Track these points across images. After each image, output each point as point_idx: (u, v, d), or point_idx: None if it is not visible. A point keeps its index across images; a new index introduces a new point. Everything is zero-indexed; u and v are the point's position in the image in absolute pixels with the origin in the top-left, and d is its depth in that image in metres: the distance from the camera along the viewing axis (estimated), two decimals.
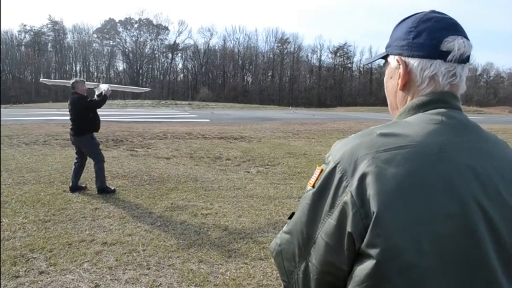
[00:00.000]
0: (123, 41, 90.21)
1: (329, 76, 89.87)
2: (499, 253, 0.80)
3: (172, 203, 5.94)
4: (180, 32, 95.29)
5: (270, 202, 6.13)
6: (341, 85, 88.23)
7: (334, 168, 0.86)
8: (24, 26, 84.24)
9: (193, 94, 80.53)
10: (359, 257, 0.82)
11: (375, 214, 0.78)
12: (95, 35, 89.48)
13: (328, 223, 0.85)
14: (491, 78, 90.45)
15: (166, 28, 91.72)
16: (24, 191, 6.44)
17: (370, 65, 69.76)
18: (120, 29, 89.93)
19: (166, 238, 4.58)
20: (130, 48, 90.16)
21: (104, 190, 6.34)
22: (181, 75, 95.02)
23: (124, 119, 22.44)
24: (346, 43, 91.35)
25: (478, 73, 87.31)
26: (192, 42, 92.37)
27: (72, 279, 3.58)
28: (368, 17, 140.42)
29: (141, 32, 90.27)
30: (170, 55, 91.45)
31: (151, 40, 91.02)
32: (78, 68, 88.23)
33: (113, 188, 6.50)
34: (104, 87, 7.15)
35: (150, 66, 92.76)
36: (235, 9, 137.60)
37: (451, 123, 0.89)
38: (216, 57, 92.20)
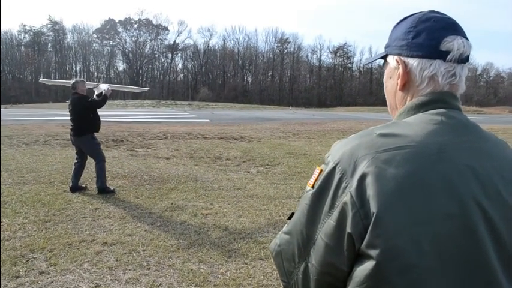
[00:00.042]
0: (123, 41, 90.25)
1: (329, 76, 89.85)
2: (499, 253, 0.80)
3: (172, 203, 5.94)
4: (180, 32, 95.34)
5: (270, 202, 6.13)
6: (341, 85, 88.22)
7: (333, 169, 0.86)
8: (24, 26, 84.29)
9: (193, 94, 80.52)
10: (359, 257, 0.82)
11: (374, 215, 0.78)
12: (95, 35, 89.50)
13: (327, 224, 0.85)
14: (491, 78, 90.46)
15: (166, 28, 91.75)
16: (25, 191, 6.44)
17: (370, 65, 69.75)
18: (120, 29, 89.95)
19: (167, 238, 4.58)
20: (130, 49, 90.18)
21: (103, 190, 6.33)
22: (181, 75, 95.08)
23: (124, 119, 22.43)
24: (346, 43, 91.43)
25: (478, 73, 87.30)
26: (191, 42, 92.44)
27: (72, 280, 3.58)
28: (368, 17, 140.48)
29: (141, 32, 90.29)
30: (170, 55, 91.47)
31: (151, 40, 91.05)
32: (78, 68, 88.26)
33: (112, 188, 6.50)
34: (103, 87, 7.14)
35: (150, 66, 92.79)
36: (234, 9, 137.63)
37: (450, 123, 0.89)
38: (216, 57, 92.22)
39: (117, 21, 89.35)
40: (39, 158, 9.48)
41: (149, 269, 3.81)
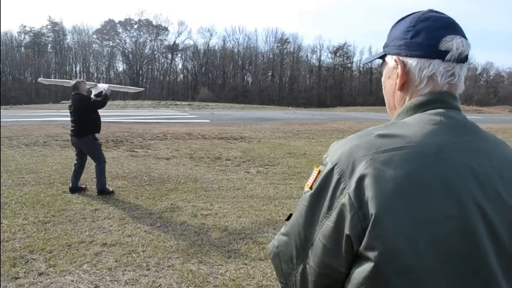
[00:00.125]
0: (122, 41, 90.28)
1: (329, 76, 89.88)
2: (498, 254, 0.79)
3: (172, 204, 5.93)
4: (180, 33, 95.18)
5: (269, 202, 6.13)
6: (341, 85, 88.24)
7: (331, 170, 0.86)
8: (24, 27, 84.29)
9: (193, 94, 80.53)
10: (357, 259, 0.81)
11: (373, 216, 0.77)
12: (95, 36, 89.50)
13: (326, 225, 0.84)
14: (491, 77, 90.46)
15: (166, 29, 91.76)
16: (24, 192, 6.43)
17: (370, 64, 69.77)
18: (120, 30, 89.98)
19: (166, 239, 4.58)
20: (130, 49, 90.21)
21: (103, 191, 6.33)
22: (181, 75, 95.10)
23: (124, 119, 22.44)
24: (345, 43, 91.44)
25: (478, 72, 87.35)
26: (191, 43, 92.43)
27: (72, 281, 3.57)
28: (368, 17, 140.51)
29: (141, 33, 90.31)
30: (170, 55, 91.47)
31: (151, 41, 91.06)
32: (78, 69, 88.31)
33: (111, 189, 6.49)
34: (103, 86, 7.14)
35: (150, 66, 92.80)
36: (234, 10, 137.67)
37: (449, 124, 0.88)
38: (215, 57, 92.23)
39: (117, 21, 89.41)
40: (39, 159, 9.48)
41: (149, 269, 3.80)
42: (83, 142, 6.48)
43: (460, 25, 0.95)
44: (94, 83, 7.76)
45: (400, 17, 1.00)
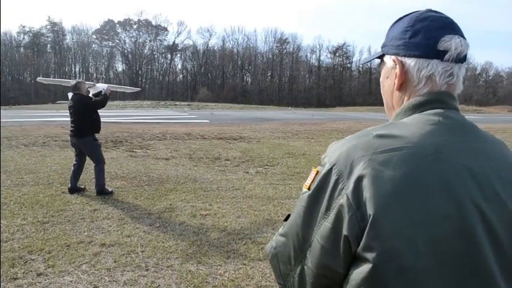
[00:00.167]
0: (122, 42, 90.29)
1: (328, 76, 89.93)
2: (497, 254, 0.79)
3: (171, 204, 5.93)
4: (179, 33, 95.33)
5: (269, 202, 6.12)
6: (340, 85, 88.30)
7: (330, 170, 0.85)
8: (23, 27, 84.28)
9: (192, 95, 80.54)
10: (355, 260, 0.81)
11: (371, 217, 0.77)
12: (94, 36, 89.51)
13: (324, 226, 0.84)
14: (491, 77, 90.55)
15: (165, 29, 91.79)
16: (23, 192, 6.43)
17: (369, 64, 69.79)
18: (119, 30, 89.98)
19: (165, 239, 4.57)
20: (129, 49, 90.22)
21: (102, 192, 6.32)
22: (181, 75, 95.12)
23: (123, 119, 22.43)
24: (345, 43, 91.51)
25: (477, 72, 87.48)
26: (191, 43, 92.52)
27: (71, 281, 3.57)
28: (367, 17, 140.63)
29: (140, 33, 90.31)
30: (169, 56, 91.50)
31: (150, 41, 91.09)
32: (77, 69, 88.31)
33: (110, 190, 6.48)
34: (102, 86, 7.14)
35: (150, 67, 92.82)
36: (234, 10, 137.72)
37: (448, 124, 0.88)
38: (215, 57, 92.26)
39: (116, 22, 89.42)
40: (38, 159, 9.47)
41: (147, 270, 3.80)
42: (82, 142, 6.46)
43: (458, 25, 0.94)
44: (92, 82, 7.76)
45: (399, 17, 1.00)
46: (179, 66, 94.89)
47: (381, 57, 1.03)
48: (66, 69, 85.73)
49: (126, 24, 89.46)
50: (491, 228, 0.79)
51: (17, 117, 23.07)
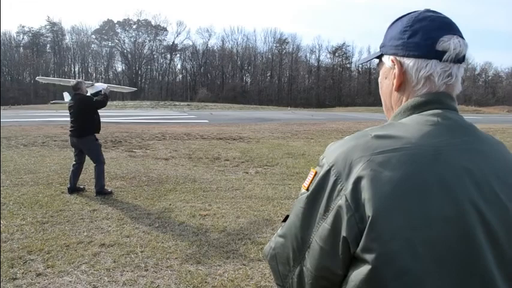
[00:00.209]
0: (121, 42, 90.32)
1: (328, 76, 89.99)
2: (496, 256, 0.78)
3: (170, 204, 5.92)
4: (179, 33, 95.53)
5: (268, 203, 6.12)
6: (340, 85, 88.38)
7: (328, 171, 0.85)
8: (23, 27, 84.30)
9: (192, 95, 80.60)
10: (354, 261, 0.81)
11: (370, 218, 0.77)
12: (94, 36, 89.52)
13: (322, 227, 0.84)
14: (490, 77, 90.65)
15: (165, 29, 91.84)
16: (22, 192, 6.42)
17: (368, 64, 69.82)
18: (119, 30, 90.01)
19: (165, 239, 4.57)
20: (128, 49, 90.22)
21: (101, 192, 6.31)
22: (180, 76, 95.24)
23: (123, 120, 22.42)
24: (344, 43, 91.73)
25: (476, 72, 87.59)
26: (190, 43, 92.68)
27: (70, 281, 3.56)
28: (367, 17, 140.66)
29: (140, 33, 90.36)
30: (169, 56, 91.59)
31: (149, 41, 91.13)
32: (76, 69, 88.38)
33: (110, 190, 6.47)
34: (101, 86, 7.16)
35: (149, 67, 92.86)
36: (233, 10, 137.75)
37: (446, 125, 0.87)
38: (214, 57, 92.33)
39: (115, 22, 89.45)
40: (37, 159, 9.46)
41: (147, 270, 3.79)
42: (83, 142, 6.45)
43: (457, 25, 0.94)
44: (91, 82, 7.78)
45: (397, 17, 1.00)
46: (178, 66, 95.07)
47: (380, 57, 1.02)
48: (66, 69, 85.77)
49: (125, 24, 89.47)
50: (490, 229, 0.78)
51: (17, 117, 23.05)
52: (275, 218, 5.37)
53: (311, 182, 0.88)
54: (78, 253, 4.14)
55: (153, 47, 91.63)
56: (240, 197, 6.45)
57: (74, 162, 6.56)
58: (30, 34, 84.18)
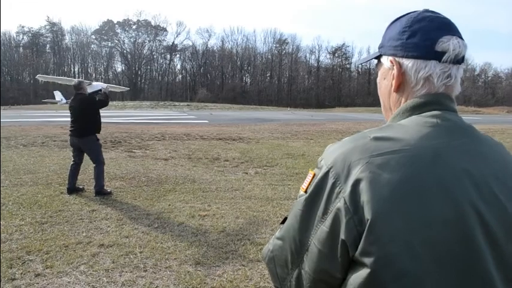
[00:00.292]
0: (121, 42, 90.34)
1: (327, 77, 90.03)
2: (496, 258, 0.78)
3: (169, 205, 5.92)
4: (179, 33, 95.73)
5: (268, 203, 6.11)
6: (339, 86, 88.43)
7: (326, 173, 0.84)
8: (23, 27, 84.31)
9: (191, 95, 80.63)
10: (353, 264, 0.80)
11: (369, 221, 0.76)
12: (93, 36, 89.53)
13: (320, 230, 0.83)
14: (490, 78, 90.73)
15: (165, 29, 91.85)
16: (22, 192, 6.41)
17: (368, 65, 69.80)
18: (119, 30, 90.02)
19: (164, 240, 4.56)
20: (128, 50, 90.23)
21: (101, 192, 6.31)
22: (180, 76, 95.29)
23: (122, 120, 22.42)
24: (344, 44, 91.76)
25: (476, 73, 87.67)
26: (190, 43, 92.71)
27: (69, 282, 3.56)
28: (367, 18, 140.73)
29: (140, 33, 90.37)
30: (168, 56, 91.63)
31: (149, 41, 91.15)
32: (76, 69, 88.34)
33: (109, 190, 6.47)
34: (100, 85, 7.17)
35: (149, 67, 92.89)
36: (233, 10, 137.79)
37: (446, 126, 0.87)
38: (214, 58, 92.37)
39: (115, 22, 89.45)
40: (36, 159, 9.45)
41: (146, 271, 3.79)
42: (85, 142, 6.44)
43: (456, 25, 0.94)
44: (88, 81, 7.79)
45: (396, 17, 0.99)
46: (178, 66, 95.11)
47: (378, 57, 1.02)
48: (65, 70, 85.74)
49: (125, 24, 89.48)
50: (490, 231, 0.78)
51: (16, 117, 23.04)
52: (274, 219, 5.36)
53: (309, 184, 0.87)
54: (77, 253, 4.14)
55: (153, 47, 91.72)
56: (240, 197, 6.44)
57: (72, 162, 6.55)
58: (30, 34, 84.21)
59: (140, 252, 4.19)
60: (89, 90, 7.25)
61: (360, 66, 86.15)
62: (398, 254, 0.75)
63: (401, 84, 0.95)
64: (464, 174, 0.80)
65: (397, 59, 0.94)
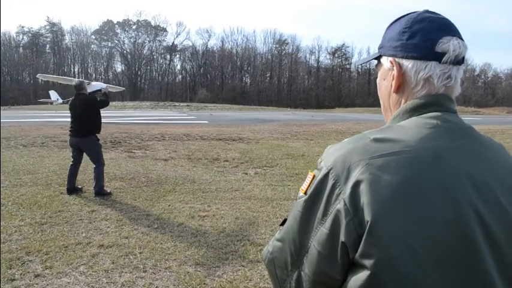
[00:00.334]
0: (121, 42, 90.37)
1: (327, 77, 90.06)
2: (496, 260, 0.77)
3: (169, 205, 5.91)
4: (178, 34, 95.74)
5: (267, 204, 6.11)
6: (339, 86, 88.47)
7: (326, 175, 0.84)
8: (22, 27, 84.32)
9: (191, 95, 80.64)
10: (353, 266, 0.80)
11: (369, 223, 0.76)
12: (93, 37, 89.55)
13: (320, 232, 0.83)
14: (489, 78, 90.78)
15: (165, 29, 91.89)
16: (21, 193, 6.41)
17: (368, 65, 69.81)
18: (118, 31, 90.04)
19: (163, 240, 4.55)
20: (128, 50, 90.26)
21: (101, 193, 6.30)
22: (180, 76, 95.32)
23: (122, 120, 22.41)
24: (344, 44, 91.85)
25: (476, 73, 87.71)
26: (190, 44, 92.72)
27: (68, 283, 3.55)
28: (367, 18, 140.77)
29: (139, 34, 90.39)
30: (168, 56, 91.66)
31: (149, 41, 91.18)
32: (76, 70, 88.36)
33: (109, 191, 6.46)
34: (99, 85, 7.18)
35: (149, 67, 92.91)
36: (233, 11, 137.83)
37: (446, 127, 0.86)
38: (214, 58, 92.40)
39: (115, 22, 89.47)
40: (36, 159, 9.45)
41: (145, 271, 3.78)
42: (85, 142, 6.43)
43: (456, 26, 0.93)
44: (88, 81, 7.80)
45: (396, 18, 0.99)
46: (178, 66, 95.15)
47: (378, 58, 1.01)
48: (65, 70, 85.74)
49: (125, 24, 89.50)
50: (490, 233, 0.78)
51: (16, 118, 23.03)
52: (274, 219, 5.36)
53: (309, 186, 0.87)
54: (77, 254, 4.13)
55: (153, 48, 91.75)
56: (239, 198, 6.44)
57: (72, 163, 6.55)
58: (30, 34, 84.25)
59: (140, 253, 4.19)
60: (88, 90, 7.24)
61: (359, 66, 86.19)
62: (399, 256, 0.74)
63: (401, 85, 0.94)
64: (465, 176, 0.80)
65: (397, 59, 0.94)
